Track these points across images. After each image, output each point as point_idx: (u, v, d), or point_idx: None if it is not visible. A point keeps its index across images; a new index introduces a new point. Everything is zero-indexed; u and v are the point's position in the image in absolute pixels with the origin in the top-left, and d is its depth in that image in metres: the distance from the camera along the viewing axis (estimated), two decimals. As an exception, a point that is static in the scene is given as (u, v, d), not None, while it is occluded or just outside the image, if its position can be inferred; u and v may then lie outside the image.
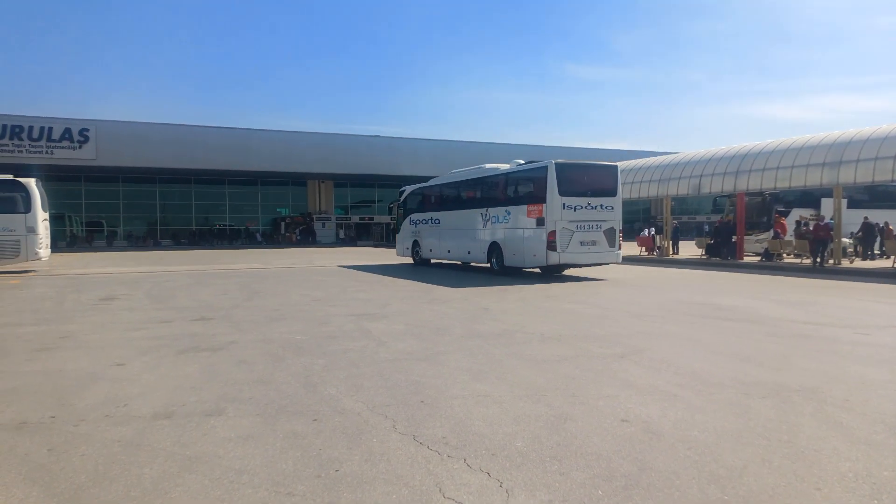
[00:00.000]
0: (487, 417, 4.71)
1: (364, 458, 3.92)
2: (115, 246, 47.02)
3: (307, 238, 51.20)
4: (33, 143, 39.89)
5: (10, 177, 20.42)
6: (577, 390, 5.48)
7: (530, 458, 3.89)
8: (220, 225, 52.73)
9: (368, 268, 22.04)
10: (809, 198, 30.46)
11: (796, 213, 28.19)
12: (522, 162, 18.47)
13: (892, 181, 19.27)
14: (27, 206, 19.53)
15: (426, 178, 24.95)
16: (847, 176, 19.71)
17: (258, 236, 51.86)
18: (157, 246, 47.34)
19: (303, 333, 8.53)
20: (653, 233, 30.36)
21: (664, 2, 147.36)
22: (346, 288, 14.85)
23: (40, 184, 20.35)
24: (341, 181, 54.82)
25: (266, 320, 9.78)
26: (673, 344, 7.66)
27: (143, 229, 50.67)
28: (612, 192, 16.92)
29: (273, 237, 52.49)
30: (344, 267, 22.52)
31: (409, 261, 24.53)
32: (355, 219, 56.32)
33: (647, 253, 28.88)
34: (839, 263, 20.28)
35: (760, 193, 25.91)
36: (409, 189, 24.79)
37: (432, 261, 23.28)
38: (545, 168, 16.45)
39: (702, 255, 25.73)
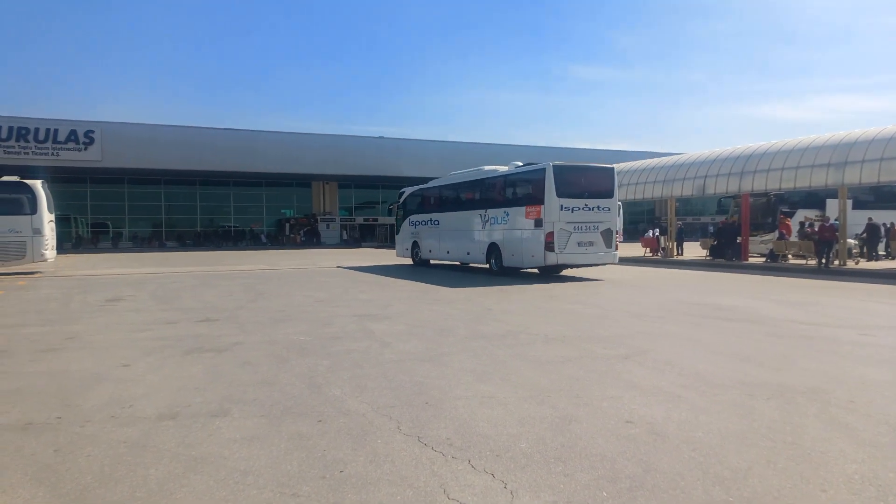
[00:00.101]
0: (492, 418, 4.72)
1: (369, 459, 3.93)
2: (120, 247, 47.19)
3: (312, 239, 51.27)
4: (39, 145, 40.07)
5: (15, 178, 20.52)
6: (582, 391, 5.48)
7: (535, 459, 3.89)
8: (224, 226, 52.82)
9: (372, 269, 22.07)
10: (814, 199, 30.40)
11: (801, 214, 28.12)
12: (521, 164, 18.66)
13: (898, 182, 19.21)
14: (33, 208, 19.61)
15: (430, 180, 25.05)
16: (852, 177, 19.64)
17: (263, 238, 51.94)
18: (162, 247, 47.49)
19: (307, 334, 8.55)
20: (657, 234, 30.33)
21: (666, 2, 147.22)
22: (349, 289, 14.87)
23: (46, 185, 20.43)
24: (345, 182, 54.89)
25: (270, 321, 9.80)
26: (677, 345, 7.65)
27: (149, 231, 50.83)
28: (608, 194, 17.19)
29: (278, 238, 52.58)
30: (348, 268, 22.56)
31: (409, 261, 24.71)
32: (360, 220, 56.38)
33: (651, 254, 28.83)
34: (844, 264, 20.21)
35: (765, 194, 25.84)
36: (408, 190, 25.00)
37: (431, 261, 23.48)
38: (543, 170, 16.67)
39: (706, 256, 25.68)
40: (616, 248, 17.36)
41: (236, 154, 45.51)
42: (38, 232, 19.62)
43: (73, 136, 40.89)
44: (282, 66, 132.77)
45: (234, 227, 53.01)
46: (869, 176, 19.23)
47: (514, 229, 17.80)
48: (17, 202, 19.69)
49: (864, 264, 21.32)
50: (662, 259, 26.64)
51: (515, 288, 14.83)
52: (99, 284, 16.76)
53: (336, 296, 13.40)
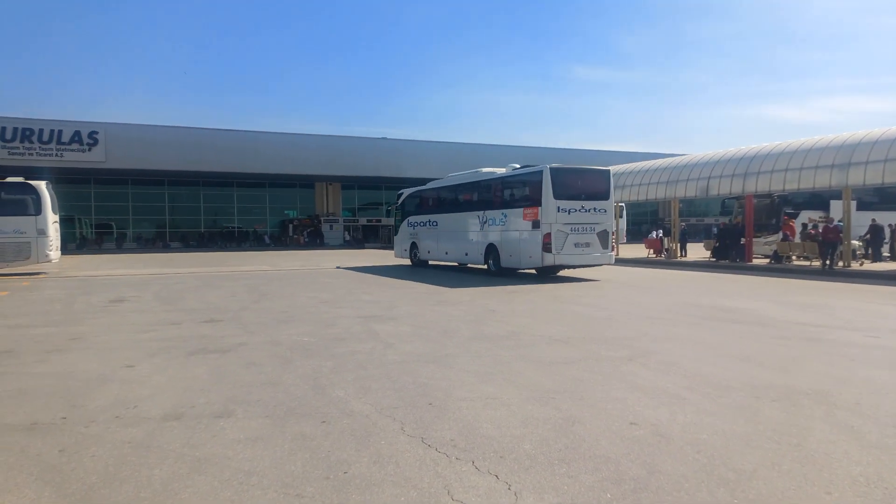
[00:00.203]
0: (495, 420, 4.71)
1: (372, 460, 3.93)
2: (124, 248, 47.31)
3: (315, 240, 51.32)
4: (43, 146, 40.17)
5: (20, 179, 20.58)
6: (586, 393, 5.48)
7: (538, 460, 3.89)
8: (228, 227, 52.91)
9: (374, 269, 22.09)
10: (818, 200, 30.33)
11: (805, 216, 28.05)
12: (518, 166, 18.91)
13: (903, 183, 19.15)
14: (37, 209, 19.67)
15: (432, 180, 25.11)
16: (856, 178, 19.59)
17: (266, 238, 51.99)
18: (165, 248, 47.59)
19: (311, 335, 8.56)
20: (661, 235, 30.29)
21: (670, 3, 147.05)
22: (352, 290, 14.88)
23: (50, 186, 20.49)
24: (349, 183, 54.93)
25: (274, 322, 9.81)
26: (681, 346, 7.64)
27: (152, 231, 50.92)
28: (604, 196, 17.44)
29: (281, 239, 52.62)
30: (350, 269, 22.58)
31: (407, 262, 24.93)
32: (363, 221, 56.42)
33: (654, 255, 28.79)
34: (849, 266, 20.15)
35: (769, 195, 25.77)
36: (406, 192, 25.22)
37: (430, 262, 23.72)
38: (540, 172, 16.91)
39: (709, 257, 25.64)
40: (612, 250, 17.63)
41: (240, 155, 45.58)
42: (42, 233, 19.68)
43: (77, 137, 40.98)
44: (284, 68, 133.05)
45: (238, 227, 53.08)
46: (873, 177, 19.18)
47: (512, 230, 18.06)
48: (22, 203, 19.76)
49: (869, 265, 21.26)
50: (666, 260, 26.60)
51: (517, 288, 14.83)
52: (103, 285, 16.80)
53: (340, 297, 13.41)
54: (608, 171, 18.04)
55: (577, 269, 18.92)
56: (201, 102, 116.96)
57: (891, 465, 3.78)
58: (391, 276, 19.03)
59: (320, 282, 17.30)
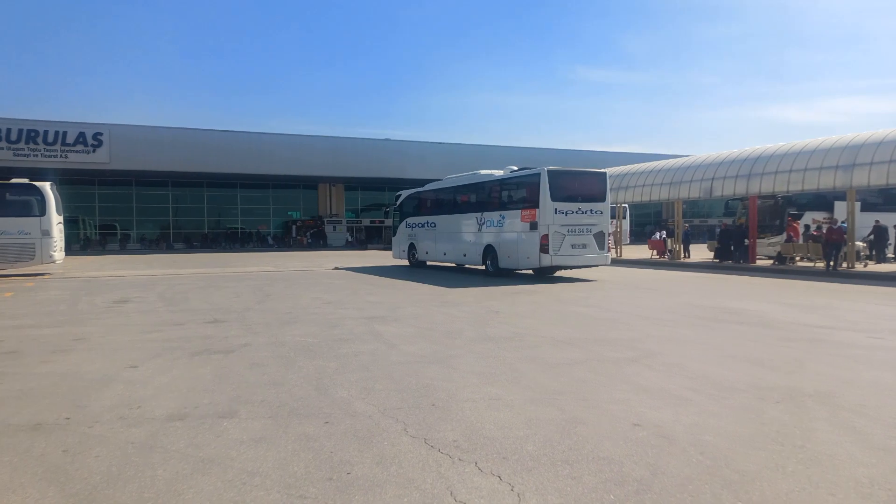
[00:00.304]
0: (499, 421, 4.71)
1: (375, 460, 3.93)
2: (128, 249, 47.42)
3: (318, 241, 51.37)
4: (48, 147, 40.30)
5: (25, 180, 20.66)
6: (589, 394, 5.47)
7: (542, 461, 3.89)
8: (231, 228, 53.01)
9: (374, 270, 22.10)
10: (822, 201, 30.21)
11: (809, 217, 27.96)
12: (516, 168, 19.15)
13: (907, 184, 19.07)
14: (42, 210, 19.74)
15: (433, 182, 25.16)
16: (861, 179, 19.53)
17: (269, 239, 52.05)
18: (169, 249, 47.70)
19: (314, 336, 8.56)
20: (664, 236, 30.23)
21: (675, 5, 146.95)
22: (357, 290, 14.89)
23: (55, 187, 20.55)
24: (352, 185, 54.97)
25: (278, 323, 9.82)
26: (685, 347, 7.62)
27: (156, 232, 51.03)
28: (601, 198, 17.78)
29: (284, 240, 52.68)
30: (353, 270, 22.60)
31: (405, 263, 25.10)
32: (366, 222, 56.46)
33: (658, 256, 28.75)
34: (853, 267, 20.08)
35: (773, 196, 25.70)
36: (405, 193, 25.46)
37: (428, 263, 23.97)
38: (538, 175, 17.17)
39: (713, 258, 25.58)
40: (608, 250, 17.99)
41: (243, 156, 45.67)
42: (46, 234, 19.75)
43: (81, 138, 41.10)
44: (288, 70, 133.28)
45: (241, 228, 53.17)
46: (877, 178, 19.11)
47: (510, 232, 18.31)
48: (27, 204, 19.83)
49: (873, 267, 21.19)
50: (669, 262, 26.55)
51: (519, 289, 14.82)
52: (107, 286, 16.84)
53: (343, 298, 13.42)
54: (604, 173, 18.31)
55: (573, 270, 19.25)
56: (205, 104, 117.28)
57: (895, 467, 3.76)
58: (392, 277, 19.05)
59: (323, 283, 17.32)
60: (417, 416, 4.87)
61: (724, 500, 3.33)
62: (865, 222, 24.75)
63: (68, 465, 3.90)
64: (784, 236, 24.08)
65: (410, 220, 24.62)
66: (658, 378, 6.03)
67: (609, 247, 18.10)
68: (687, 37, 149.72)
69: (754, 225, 24.43)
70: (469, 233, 20.44)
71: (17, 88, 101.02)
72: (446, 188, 22.71)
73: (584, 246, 17.34)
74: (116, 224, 49.85)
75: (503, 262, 18.62)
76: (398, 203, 25.75)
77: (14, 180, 20.99)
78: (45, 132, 40.24)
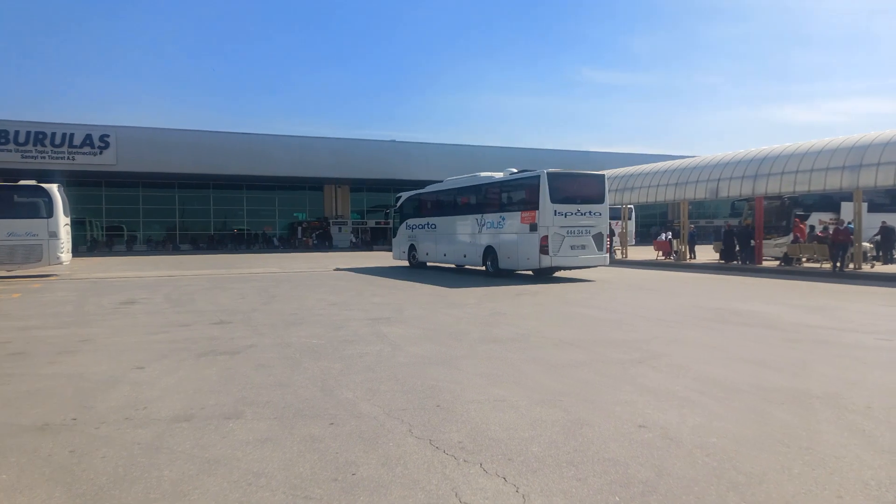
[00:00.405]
0: (504, 422, 4.71)
1: (381, 462, 3.94)
2: (134, 250, 47.57)
3: (324, 242, 51.44)
4: (55, 149, 40.49)
5: (33, 182, 20.77)
6: (594, 395, 5.46)
7: (547, 463, 3.88)
8: (237, 229, 53.15)
9: (377, 271, 22.13)
10: (829, 202, 30.11)
11: (816, 218, 27.85)
12: (515, 171, 19.57)
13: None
14: (49, 211, 19.84)
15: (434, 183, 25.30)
16: (867, 179, 19.44)
17: (275, 241, 52.15)
18: (176, 250, 47.82)
19: (319, 337, 8.58)
20: (670, 237, 30.16)
21: (681, 5, 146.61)
22: (362, 292, 14.91)
23: (62, 189, 20.66)
24: (357, 186, 55.03)
25: (283, 324, 9.84)
26: (690, 349, 7.60)
27: (163, 234, 51.18)
28: (599, 200, 18.16)
29: (290, 241, 52.77)
30: (354, 271, 22.62)
31: (405, 264, 25.27)
32: (371, 223, 56.50)
33: (663, 257, 28.67)
34: (859, 268, 19.99)
35: (779, 197, 25.60)
36: (405, 195, 25.74)
37: (428, 264, 24.23)
38: (538, 177, 17.51)
39: (719, 259, 25.50)
40: (606, 251, 18.33)
41: (249, 158, 45.79)
42: (54, 235, 19.85)
43: (88, 140, 41.28)
44: (294, 71, 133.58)
45: (247, 230, 53.30)
46: (884, 179, 19.02)
47: (510, 233, 18.59)
48: (34, 206, 19.93)
49: (880, 268, 21.08)
50: (675, 263, 26.48)
51: (522, 290, 14.81)
52: (114, 287, 16.91)
53: (348, 299, 13.43)
54: (603, 175, 18.75)
55: (573, 271, 19.60)
56: (211, 106, 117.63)
57: (903, 469, 3.74)
58: (395, 278, 19.07)
59: (328, 284, 17.35)
60: (422, 417, 4.87)
61: (730, 501, 3.32)
62: (872, 223, 24.64)
63: (75, 466, 3.92)
64: (791, 237, 23.98)
65: (410, 221, 24.87)
66: (663, 379, 6.02)
67: (608, 248, 18.43)
68: (692, 38, 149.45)
69: (760, 226, 24.34)
70: (469, 234, 20.67)
71: (24, 90, 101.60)
72: (446, 190, 22.95)
73: (584, 247, 17.64)
74: (123, 225, 50.04)
75: (503, 263, 18.85)
76: (398, 205, 26.02)
77: (22, 182, 21.12)
78: (53, 134, 40.44)
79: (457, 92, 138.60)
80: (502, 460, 3.93)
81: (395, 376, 6.23)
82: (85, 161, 41.38)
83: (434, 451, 4.12)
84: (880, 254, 23.45)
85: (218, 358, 7.24)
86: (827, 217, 28.01)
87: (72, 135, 40.91)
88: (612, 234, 29.07)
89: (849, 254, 20.16)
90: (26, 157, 39.72)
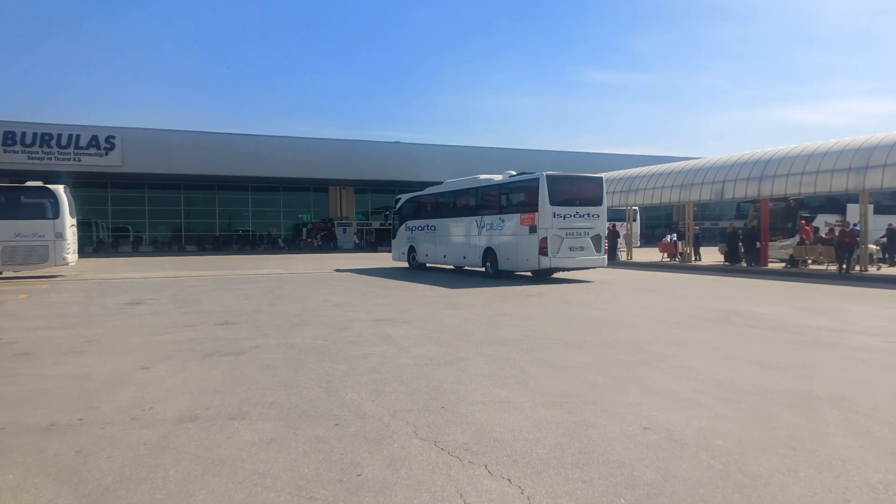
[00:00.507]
0: (509, 424, 4.71)
1: (385, 463, 3.94)
2: (140, 251, 47.71)
3: (328, 243, 51.50)
4: (61, 151, 40.66)
5: (39, 183, 20.86)
6: (599, 397, 5.45)
7: (552, 465, 3.88)
8: (242, 230, 53.27)
9: (378, 272, 22.14)
10: (835, 203, 29.97)
11: (822, 219, 27.73)
12: (514, 173, 19.81)
13: (922, 186, 18.90)
14: (55, 213, 19.92)
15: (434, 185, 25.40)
16: (874, 181, 19.36)
17: (280, 242, 52.23)
18: (181, 251, 47.93)
19: (324, 338, 8.59)
20: (675, 238, 30.09)
21: (684, 6, 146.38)
22: (365, 293, 14.92)
23: (68, 190, 20.74)
24: (362, 187, 55.08)
25: (288, 325, 9.86)
26: (696, 350, 7.58)
27: (168, 235, 51.32)
28: (598, 202, 18.44)
29: (295, 243, 52.84)
30: (359, 272, 22.64)
31: (405, 265, 25.37)
32: (376, 224, 56.54)
33: (668, 259, 28.60)
34: (865, 270, 19.91)
35: (785, 199, 25.52)
36: (404, 197, 25.96)
37: (427, 265, 24.39)
38: (537, 179, 17.74)
39: (723, 261, 25.44)
40: (604, 253, 18.59)
41: (254, 159, 45.89)
42: (60, 236, 19.93)
43: (94, 141, 41.44)
44: (299, 73, 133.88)
45: (252, 231, 53.42)
46: (891, 180, 18.94)
47: (510, 235, 18.80)
48: (41, 207, 20.02)
49: (886, 270, 21.00)
50: (680, 264, 26.42)
51: (525, 291, 14.80)
52: (119, 288, 16.96)
53: (353, 300, 13.45)
54: (601, 178, 19.04)
55: (571, 272, 19.92)
56: (216, 107, 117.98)
57: (910, 472, 3.72)
58: (397, 279, 19.10)
59: (332, 285, 17.37)
60: (427, 418, 4.87)
61: (736, 504, 3.31)
62: (878, 225, 24.54)
63: (81, 466, 3.93)
64: (797, 239, 23.90)
65: (410, 223, 25.10)
66: (668, 381, 6.01)
67: (605, 250, 18.71)
68: (696, 38, 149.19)
69: (766, 227, 24.27)
70: (469, 235, 20.89)
71: (27, 91, 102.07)
72: (446, 192, 23.19)
73: (582, 248, 17.91)
74: (129, 226, 50.22)
75: (502, 265, 19.07)
76: (398, 206, 26.27)
77: (28, 183, 21.20)
78: (59, 135, 40.61)
79: (459, 93, 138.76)
80: (507, 462, 3.93)
81: (399, 377, 6.24)
82: (91, 162, 41.54)
83: (439, 452, 4.12)
84: (886, 256, 23.35)
85: (223, 359, 7.25)
86: (833, 219, 27.88)
87: (78, 136, 41.07)
88: (616, 235, 29.18)
89: (855, 256, 20.08)
90: (32, 158, 39.90)
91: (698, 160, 28.03)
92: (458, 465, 3.90)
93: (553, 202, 17.41)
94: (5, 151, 39.16)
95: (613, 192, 30.18)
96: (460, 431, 4.54)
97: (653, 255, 31.33)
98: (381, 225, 55.70)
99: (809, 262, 22.69)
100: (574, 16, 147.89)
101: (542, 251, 17.34)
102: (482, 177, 21.36)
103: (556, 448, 4.17)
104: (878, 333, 8.86)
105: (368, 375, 6.33)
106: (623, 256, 30.26)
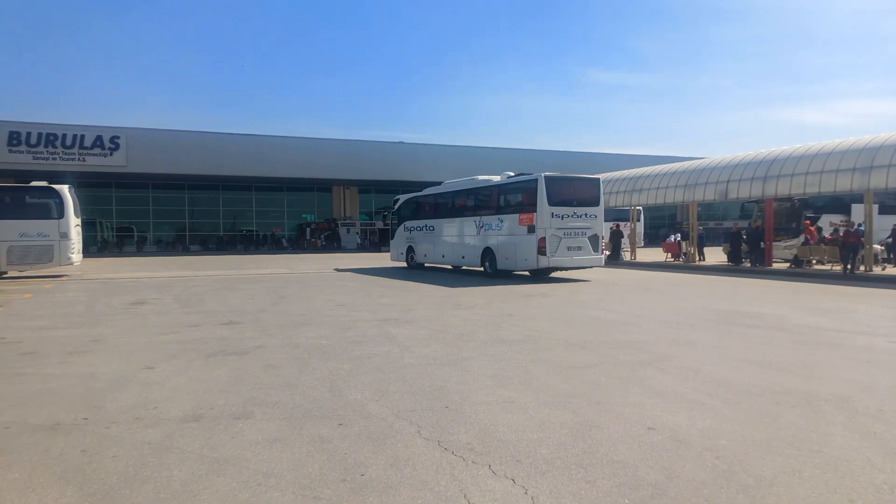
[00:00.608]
0: (512, 424, 4.71)
1: (389, 462, 3.94)
2: (144, 251, 47.84)
3: (332, 243, 51.56)
4: (66, 151, 40.79)
5: (44, 183, 20.95)
6: (603, 397, 5.45)
7: (555, 465, 3.88)
8: (246, 230, 53.37)
9: (386, 272, 22.16)
10: (839, 203, 29.89)
11: (826, 220, 27.66)
12: (512, 174, 20.05)
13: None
14: (60, 212, 19.99)
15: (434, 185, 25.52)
16: (878, 181, 19.30)
17: (284, 242, 52.32)
18: (185, 251, 48.03)
19: (328, 338, 8.60)
20: (678, 239, 30.03)
21: (688, 6, 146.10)
22: (369, 293, 14.93)
23: (73, 190, 20.81)
24: (366, 187, 55.15)
25: (292, 325, 9.87)
26: (699, 351, 7.57)
27: (172, 235, 51.43)
28: (595, 203, 18.70)
29: (298, 243, 52.92)
30: (366, 272, 22.67)
31: (403, 265, 25.55)
32: (379, 224, 56.57)
33: (672, 259, 28.56)
34: (870, 270, 19.85)
35: (789, 199, 25.45)
36: (403, 198, 26.22)
37: (425, 265, 24.56)
38: (536, 180, 18.00)
39: (727, 261, 25.38)
40: (601, 252, 18.88)
41: (258, 159, 45.97)
42: (64, 236, 20.00)
43: (99, 141, 41.56)
44: (303, 74, 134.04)
45: (256, 231, 53.51)
46: (895, 180, 18.89)
47: (509, 235, 19.00)
48: (45, 207, 20.10)
49: (890, 270, 20.93)
50: (684, 264, 26.37)
51: (527, 290, 14.79)
52: (124, 288, 17.01)
53: (357, 300, 13.46)
54: (598, 179, 19.36)
55: (569, 271, 20.11)
56: (221, 107, 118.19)
57: (915, 473, 3.71)
58: (399, 279, 19.11)
59: (336, 285, 17.39)
60: (431, 418, 4.87)
61: (740, 504, 3.30)
62: (883, 225, 24.46)
63: (86, 465, 3.95)
64: (801, 239, 23.84)
65: (408, 223, 25.30)
66: (672, 381, 6.00)
67: (602, 249, 19.02)
68: (700, 38, 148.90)
69: (770, 228, 24.21)
70: (468, 236, 21.09)
71: (29, 91, 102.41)
72: (445, 193, 23.41)
73: (580, 248, 18.14)
74: (133, 227, 50.35)
75: (501, 264, 19.27)
76: (396, 207, 26.52)
77: (33, 183, 21.30)
78: (64, 136, 40.74)
79: (462, 93, 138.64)
80: (511, 462, 3.93)
81: (403, 377, 6.24)
82: (95, 162, 41.66)
83: (442, 452, 4.13)
84: (891, 256, 23.27)
85: (227, 358, 7.27)
86: (837, 219, 27.80)
87: (82, 136, 41.20)
88: (620, 235, 29.13)
89: (859, 256, 20.02)
90: (38, 158, 40.04)
91: (702, 160, 27.98)
92: (461, 464, 3.90)
93: (551, 202, 17.64)
94: (10, 152, 39.31)
95: (617, 192, 30.14)
96: (464, 431, 4.54)
97: (656, 255, 31.28)
98: (385, 225, 55.77)
99: (814, 262, 22.63)
100: (576, 16, 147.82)
101: (541, 251, 17.55)
102: (480, 178, 21.59)
103: (560, 448, 4.17)
104: (882, 334, 8.83)
105: (372, 375, 6.34)
106: (627, 256, 30.20)
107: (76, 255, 20.86)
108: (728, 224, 54.32)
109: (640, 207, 32.47)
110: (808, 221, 25.36)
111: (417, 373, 6.45)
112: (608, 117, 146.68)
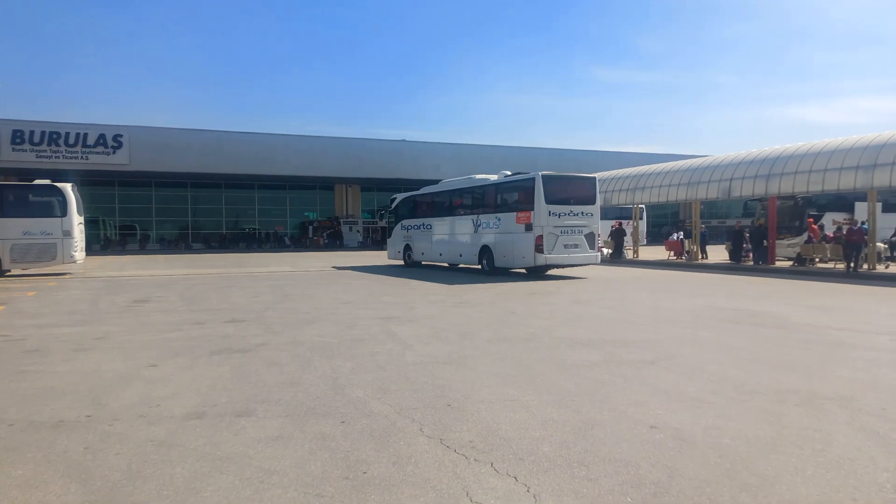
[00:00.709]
0: (515, 422, 4.71)
1: (391, 460, 3.95)
2: (147, 249, 47.91)
3: (334, 242, 51.60)
4: (69, 149, 40.87)
5: (47, 182, 20.99)
6: (606, 396, 5.45)
7: (558, 463, 3.88)
8: (249, 229, 53.43)
9: (388, 270, 22.18)
10: (843, 202, 29.85)
11: (829, 218, 27.62)
12: (509, 173, 20.30)
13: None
14: (63, 210, 20.04)
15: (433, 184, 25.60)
16: (882, 179, 19.24)
17: (286, 240, 52.38)
18: (188, 249, 48.10)
19: (331, 336, 8.61)
20: (681, 237, 29.99)
21: (690, 3, 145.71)
22: (372, 290, 14.95)
23: (76, 188, 20.85)
24: (368, 185, 55.17)
25: (296, 322, 9.89)
26: (703, 350, 7.56)
27: (175, 233, 51.50)
28: (591, 201, 18.85)
29: (301, 241, 52.97)
30: (369, 270, 22.69)
31: (400, 263, 25.73)
32: (382, 222, 56.58)
33: (675, 257, 28.51)
34: (874, 268, 19.80)
35: (793, 197, 25.39)
36: (400, 197, 26.45)
37: (423, 263, 24.71)
38: (533, 179, 18.21)
39: (729, 259, 25.34)
40: (598, 250, 19.12)
41: (260, 157, 46.00)
42: (68, 234, 20.05)
43: (101, 140, 41.63)
44: (305, 72, 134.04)
45: (259, 229, 53.58)
46: (900, 179, 18.81)
47: (506, 233, 19.19)
48: (49, 205, 20.15)
49: (894, 268, 20.87)
50: (687, 263, 26.34)
51: (529, 288, 14.79)
52: (127, 286, 17.05)
53: (360, 297, 13.47)
54: (594, 178, 19.49)
55: (566, 268, 20.18)
56: (223, 106, 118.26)
57: (918, 472, 3.70)
58: (402, 277, 19.13)
59: (340, 283, 17.41)
60: (433, 416, 4.88)
61: (743, 503, 3.30)
62: (887, 223, 24.42)
63: (89, 463, 3.96)
64: (804, 237, 23.80)
65: (406, 222, 25.47)
66: (676, 380, 5.99)
67: (599, 247, 19.21)
68: (703, 36, 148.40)
69: (774, 226, 24.17)
70: (465, 234, 21.25)
71: (36, 92, 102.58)
72: (443, 192, 23.60)
73: (576, 246, 18.33)
74: (136, 225, 50.42)
75: (499, 262, 19.44)
76: (393, 206, 26.72)
77: (37, 181, 21.35)
78: (67, 134, 40.81)
79: (465, 91, 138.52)
80: (513, 460, 3.93)
81: (405, 375, 6.25)
82: (98, 160, 41.73)
83: (445, 450, 4.13)
84: (894, 254, 23.21)
85: (231, 356, 7.28)
86: (841, 217, 27.76)
87: (85, 135, 41.27)
88: (623, 233, 29.11)
89: (863, 254, 19.98)
90: (41, 156, 40.12)
91: (705, 158, 27.92)
92: (464, 462, 3.91)
93: (548, 201, 17.80)
94: (14, 150, 39.39)
95: (619, 191, 30.11)
96: (466, 429, 4.54)
97: (659, 253, 31.23)
98: (388, 223, 55.77)
99: (817, 260, 22.59)
100: (579, 13, 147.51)
101: (538, 248, 17.71)
102: (478, 177, 21.79)
103: (563, 446, 4.17)
104: (886, 332, 8.81)
105: (375, 373, 6.34)
106: (629, 255, 30.17)
107: (79, 253, 20.90)
108: (731, 222, 54.28)
109: (643, 205, 32.43)
110: (811, 219, 25.33)
111: (420, 371, 6.45)
112: (610, 115, 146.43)
